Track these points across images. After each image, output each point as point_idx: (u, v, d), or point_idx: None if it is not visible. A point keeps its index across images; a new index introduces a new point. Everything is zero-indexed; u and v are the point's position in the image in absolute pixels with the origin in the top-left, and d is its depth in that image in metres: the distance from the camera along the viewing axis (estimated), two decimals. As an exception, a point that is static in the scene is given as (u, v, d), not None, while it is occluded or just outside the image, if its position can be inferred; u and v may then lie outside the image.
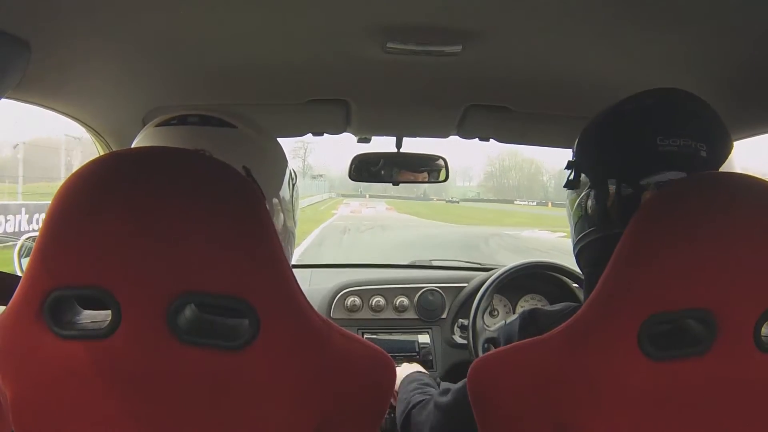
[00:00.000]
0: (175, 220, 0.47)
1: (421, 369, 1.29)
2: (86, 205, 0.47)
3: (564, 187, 0.78)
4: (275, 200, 0.71)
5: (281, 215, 0.72)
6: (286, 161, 0.77)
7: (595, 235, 0.70)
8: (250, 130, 0.72)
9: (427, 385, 1.10)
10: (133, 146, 0.70)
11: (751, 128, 0.99)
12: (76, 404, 0.48)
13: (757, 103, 0.94)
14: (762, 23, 0.72)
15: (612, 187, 0.68)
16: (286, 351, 0.50)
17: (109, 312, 0.47)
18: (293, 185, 0.78)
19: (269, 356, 0.49)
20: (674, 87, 0.70)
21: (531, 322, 0.75)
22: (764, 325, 0.53)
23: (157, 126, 0.70)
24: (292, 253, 0.79)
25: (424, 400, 0.97)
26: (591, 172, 0.72)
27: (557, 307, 0.77)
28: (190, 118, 0.70)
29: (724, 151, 0.67)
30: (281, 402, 0.51)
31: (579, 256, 0.76)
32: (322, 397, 0.53)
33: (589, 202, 0.71)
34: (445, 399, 0.86)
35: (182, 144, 0.67)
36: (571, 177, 0.75)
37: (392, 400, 1.09)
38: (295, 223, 0.77)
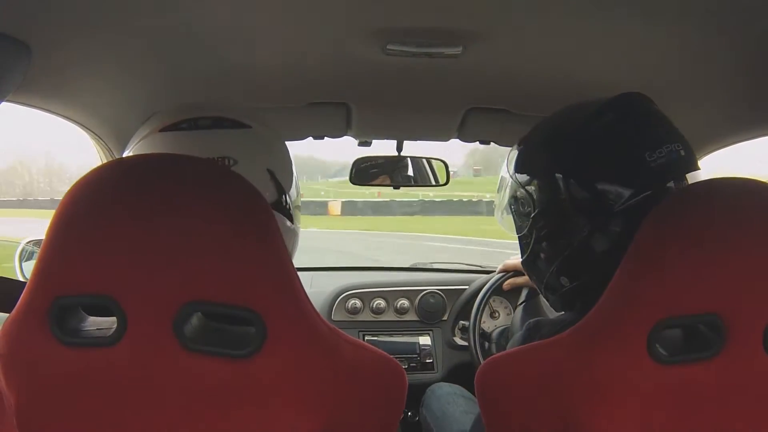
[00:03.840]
0: (180, 229, 0.46)
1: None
2: (92, 213, 0.47)
3: (514, 203, 0.75)
4: (289, 201, 0.68)
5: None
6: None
7: (574, 252, 0.69)
8: (264, 129, 0.67)
9: None
10: (136, 151, 0.67)
11: (757, 129, 0.99)
12: (81, 412, 0.48)
13: (763, 103, 0.93)
14: (762, 22, 0.71)
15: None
16: (294, 359, 0.50)
17: (114, 319, 0.47)
18: (297, 184, 0.76)
19: (276, 364, 0.49)
20: (632, 91, 0.68)
21: (536, 332, 0.74)
22: None
23: (163, 130, 0.65)
24: (294, 254, 0.78)
25: None
26: (558, 188, 0.68)
27: (558, 317, 0.76)
28: (200, 121, 0.64)
29: (688, 144, 0.66)
30: (288, 410, 0.50)
31: (559, 274, 0.73)
32: (331, 405, 0.52)
33: (555, 218, 0.69)
34: None
35: (200, 152, 0.61)
36: (530, 193, 0.71)
37: None
38: (299, 222, 0.76)
